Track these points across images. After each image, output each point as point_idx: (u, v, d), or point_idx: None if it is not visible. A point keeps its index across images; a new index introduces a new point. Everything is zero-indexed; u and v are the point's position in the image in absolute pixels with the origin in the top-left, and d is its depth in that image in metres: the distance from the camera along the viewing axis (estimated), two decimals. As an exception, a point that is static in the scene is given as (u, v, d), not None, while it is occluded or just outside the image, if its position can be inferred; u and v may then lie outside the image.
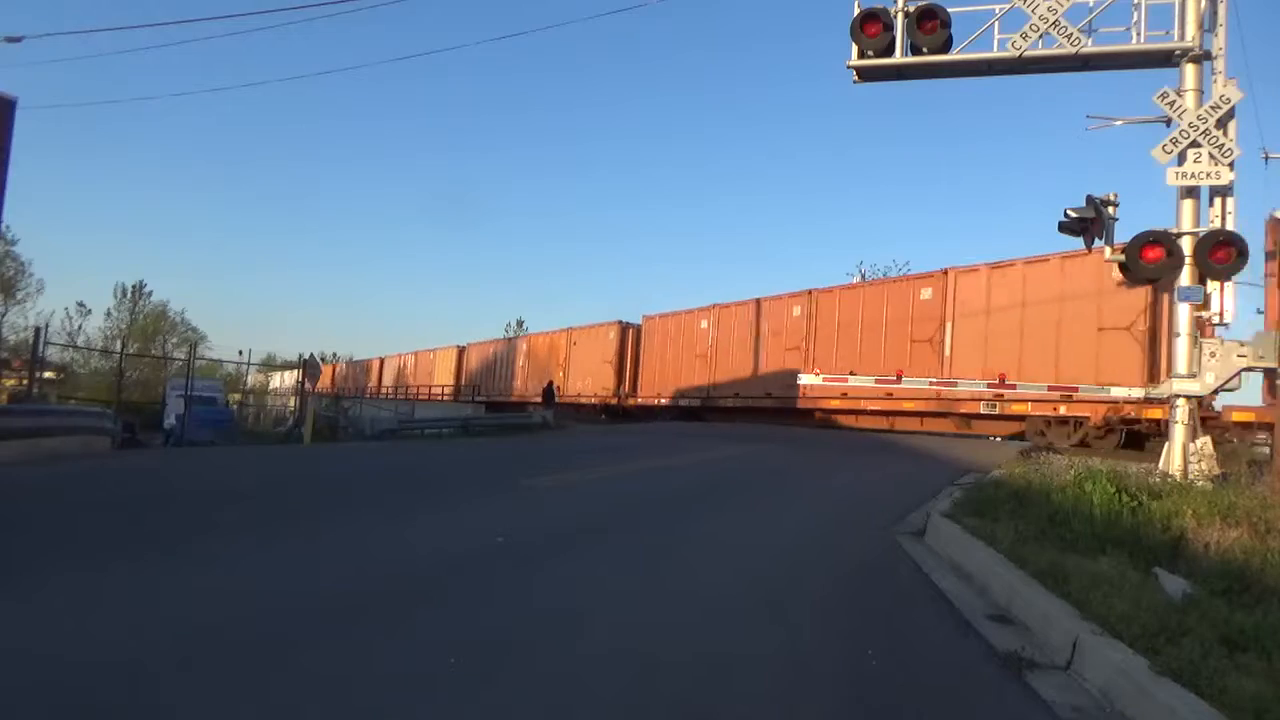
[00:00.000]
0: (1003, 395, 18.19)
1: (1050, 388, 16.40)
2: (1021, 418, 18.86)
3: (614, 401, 31.41)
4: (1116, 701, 3.45)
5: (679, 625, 4.55)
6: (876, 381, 19.71)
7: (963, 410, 20.15)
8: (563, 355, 34.75)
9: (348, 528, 7.17)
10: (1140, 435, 17.07)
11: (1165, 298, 14.85)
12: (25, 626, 4.05)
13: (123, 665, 3.51)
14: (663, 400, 29.66)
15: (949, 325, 20.27)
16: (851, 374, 20.93)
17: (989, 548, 5.94)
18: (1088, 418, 17.56)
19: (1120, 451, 16.08)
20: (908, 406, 21.31)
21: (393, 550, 6.28)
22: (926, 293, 21.19)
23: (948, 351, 20.23)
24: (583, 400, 32.69)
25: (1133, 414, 16.44)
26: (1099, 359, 16.69)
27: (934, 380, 18.58)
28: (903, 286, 22.35)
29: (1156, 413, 15.57)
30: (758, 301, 26.39)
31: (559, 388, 32.58)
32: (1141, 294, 15.82)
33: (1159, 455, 10.89)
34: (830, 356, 23.11)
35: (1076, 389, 16.05)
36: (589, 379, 32.93)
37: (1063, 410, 17.89)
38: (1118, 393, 13.68)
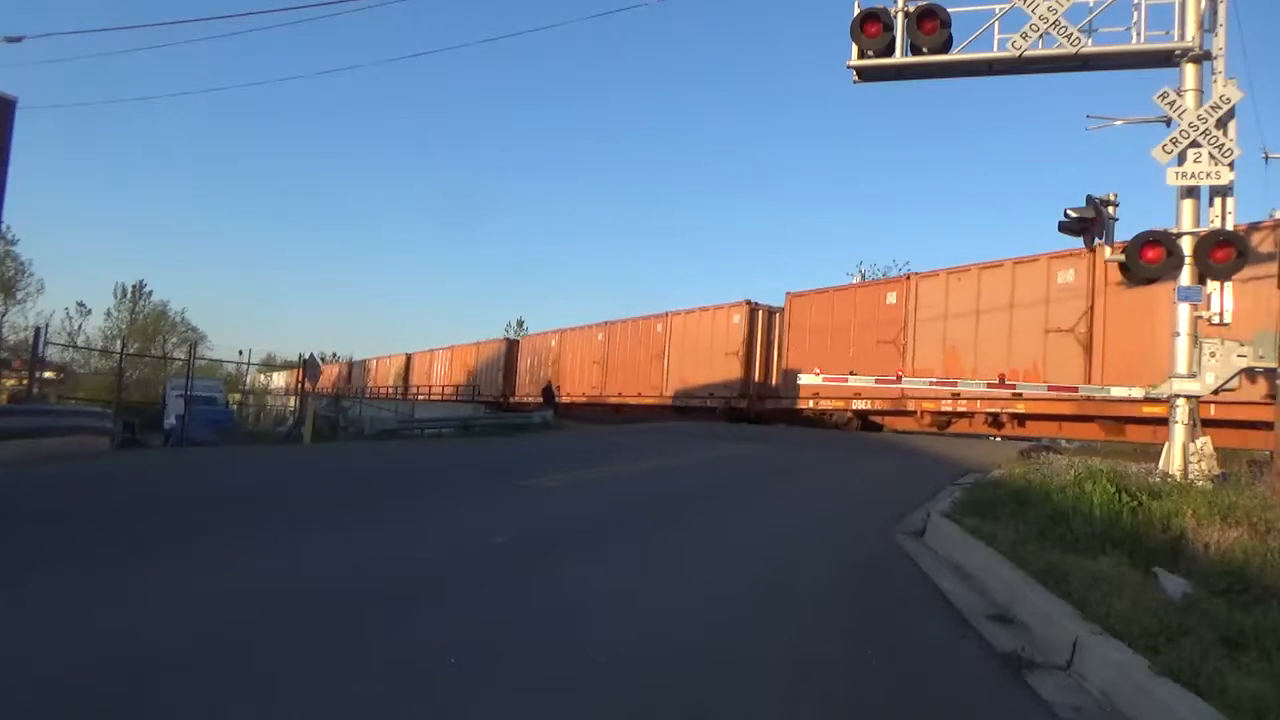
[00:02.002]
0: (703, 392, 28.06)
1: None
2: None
3: (502, 400, 39.02)
4: (1116, 701, 3.45)
5: (678, 625, 4.56)
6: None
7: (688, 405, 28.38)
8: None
9: (347, 528, 7.18)
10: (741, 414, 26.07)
11: (759, 329, 26.41)
12: (22, 626, 4.05)
13: (123, 666, 3.51)
14: (527, 398, 37.05)
15: (667, 352, 29.59)
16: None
17: (989, 548, 5.94)
18: (717, 408, 26.96)
19: (1118, 450, 16.15)
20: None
21: (392, 551, 6.28)
22: (659, 327, 30.31)
23: (666, 365, 29.31)
24: (486, 399, 40.36)
25: (739, 403, 26.38)
26: (726, 371, 26.61)
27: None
28: (647, 322, 31.13)
29: (743, 403, 26.05)
30: (596, 327, 34.69)
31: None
32: (742, 330, 26.44)
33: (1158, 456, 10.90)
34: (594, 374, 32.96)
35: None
36: (491, 383, 41.24)
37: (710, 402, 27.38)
38: (1117, 393, 13.77)
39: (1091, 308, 17.56)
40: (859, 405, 22.45)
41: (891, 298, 21.93)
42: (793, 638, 4.45)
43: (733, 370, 26.19)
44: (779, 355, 25.63)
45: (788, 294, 25.55)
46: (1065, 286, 18.12)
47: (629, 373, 30.76)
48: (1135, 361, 15.79)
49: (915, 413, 20.90)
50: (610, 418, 30.24)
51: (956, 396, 19.19)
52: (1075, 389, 16.06)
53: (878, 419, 22.76)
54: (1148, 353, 15.22)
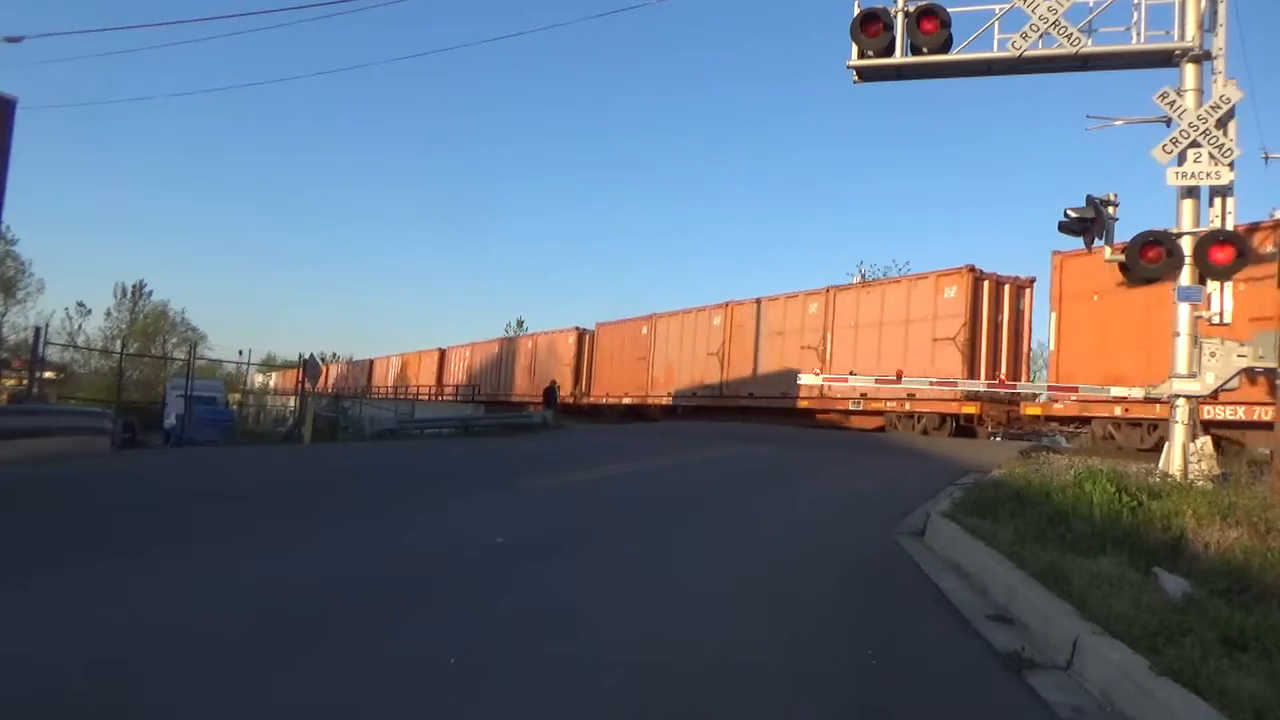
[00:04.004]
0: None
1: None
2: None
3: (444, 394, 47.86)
4: (1116, 701, 3.45)
5: (677, 625, 4.55)
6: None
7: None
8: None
9: (347, 528, 7.17)
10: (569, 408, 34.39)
11: (585, 347, 36.70)
12: (22, 625, 4.05)
13: (122, 664, 3.51)
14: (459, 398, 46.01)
15: (533, 364, 39.65)
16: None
17: (989, 548, 5.93)
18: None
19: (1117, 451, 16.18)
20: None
21: (392, 551, 6.28)
22: (529, 344, 41.27)
23: (532, 372, 39.10)
24: (430, 395, 48.32)
25: (569, 400, 35.23)
26: (563, 378, 36.22)
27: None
28: (521, 340, 42.57)
29: (571, 399, 35.44)
30: (495, 341, 45.76)
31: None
32: (574, 348, 37.15)
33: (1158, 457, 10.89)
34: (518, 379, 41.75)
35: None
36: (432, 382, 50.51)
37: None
38: (1118, 392, 13.80)
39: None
40: (628, 400, 33.14)
41: (644, 329, 32.92)
42: (793, 637, 4.45)
43: (567, 377, 36.27)
44: (594, 367, 36.14)
45: (597, 323, 36.58)
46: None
47: (510, 378, 41.43)
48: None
49: (654, 408, 31.67)
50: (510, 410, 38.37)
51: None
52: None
53: (638, 409, 32.81)
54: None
